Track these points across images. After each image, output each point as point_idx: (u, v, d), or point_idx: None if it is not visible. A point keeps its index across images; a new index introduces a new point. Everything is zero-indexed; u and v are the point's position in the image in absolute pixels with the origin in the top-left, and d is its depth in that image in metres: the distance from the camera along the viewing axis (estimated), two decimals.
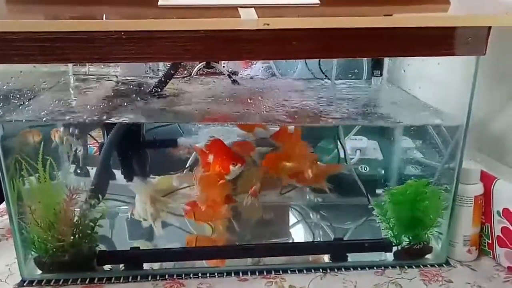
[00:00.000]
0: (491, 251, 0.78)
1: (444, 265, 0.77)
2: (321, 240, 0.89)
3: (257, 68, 0.99)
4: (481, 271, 0.75)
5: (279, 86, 0.94)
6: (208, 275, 0.74)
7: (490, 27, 0.62)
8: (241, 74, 0.94)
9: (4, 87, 0.71)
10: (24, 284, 0.72)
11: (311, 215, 0.95)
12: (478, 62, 0.67)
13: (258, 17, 0.57)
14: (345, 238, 0.84)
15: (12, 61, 0.60)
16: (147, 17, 0.59)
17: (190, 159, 0.92)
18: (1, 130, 0.69)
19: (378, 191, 0.89)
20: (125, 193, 0.92)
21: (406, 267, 0.76)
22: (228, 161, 0.76)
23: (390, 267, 0.76)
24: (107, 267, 0.76)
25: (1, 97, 0.70)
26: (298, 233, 0.93)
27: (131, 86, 0.90)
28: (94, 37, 0.59)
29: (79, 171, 0.95)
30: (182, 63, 0.85)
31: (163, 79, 0.84)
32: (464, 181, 0.75)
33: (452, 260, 0.78)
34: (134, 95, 0.85)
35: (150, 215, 0.81)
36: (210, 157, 0.79)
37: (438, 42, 0.63)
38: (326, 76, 0.95)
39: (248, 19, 0.57)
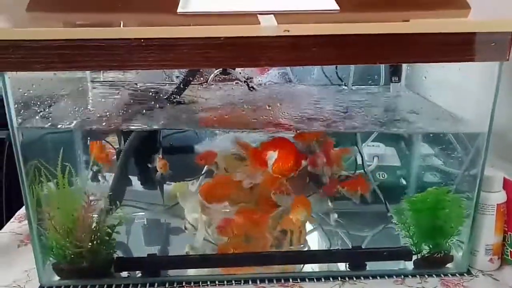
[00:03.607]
0: None
1: (465, 274, 0.76)
2: (339, 248, 0.87)
3: (273, 74, 0.98)
4: (503, 281, 0.74)
5: (297, 92, 0.93)
6: (225, 282, 0.74)
7: None
8: (259, 80, 0.94)
9: (25, 94, 0.71)
10: None
11: (328, 222, 0.94)
12: (502, 68, 0.66)
13: (278, 23, 0.57)
14: (363, 246, 0.83)
15: (33, 68, 0.61)
16: (166, 24, 0.59)
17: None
18: (21, 137, 0.69)
19: (396, 198, 0.88)
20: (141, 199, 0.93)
21: (426, 276, 0.75)
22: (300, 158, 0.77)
23: (410, 276, 0.75)
24: (124, 273, 0.76)
25: (22, 104, 0.70)
26: (315, 241, 0.92)
27: (149, 93, 0.90)
28: (113, 44, 0.59)
29: None
30: (200, 70, 0.85)
31: (181, 86, 0.84)
32: (486, 188, 0.74)
33: (473, 270, 0.77)
34: (152, 102, 0.86)
35: (204, 223, 0.81)
36: (273, 154, 0.77)
37: (460, 48, 0.62)
38: (343, 82, 0.94)
39: (269, 26, 0.57)
